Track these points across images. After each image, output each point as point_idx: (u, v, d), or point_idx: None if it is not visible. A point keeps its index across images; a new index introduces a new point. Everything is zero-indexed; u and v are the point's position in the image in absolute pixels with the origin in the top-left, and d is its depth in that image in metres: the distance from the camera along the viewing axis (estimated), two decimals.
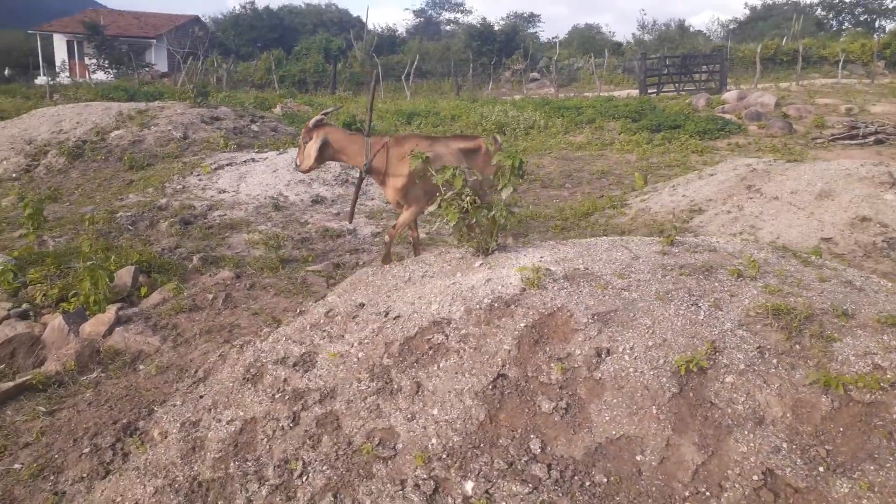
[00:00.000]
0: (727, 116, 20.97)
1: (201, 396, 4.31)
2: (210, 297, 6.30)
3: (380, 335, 3.98)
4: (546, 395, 3.41)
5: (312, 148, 5.64)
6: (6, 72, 43.42)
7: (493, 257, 4.74)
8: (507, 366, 3.57)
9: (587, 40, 46.12)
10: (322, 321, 4.43)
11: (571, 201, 11.17)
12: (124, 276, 6.94)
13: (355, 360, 3.89)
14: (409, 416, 3.46)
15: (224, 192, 9.72)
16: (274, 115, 15.82)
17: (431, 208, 5.32)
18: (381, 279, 4.73)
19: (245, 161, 10.43)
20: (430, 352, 3.77)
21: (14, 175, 12.52)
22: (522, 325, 3.77)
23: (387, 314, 4.14)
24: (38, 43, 47.43)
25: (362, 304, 4.40)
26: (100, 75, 39.17)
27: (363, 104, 27.50)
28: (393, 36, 52.43)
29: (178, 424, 4.04)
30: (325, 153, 5.70)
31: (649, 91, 28.23)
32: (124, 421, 4.45)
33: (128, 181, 11.44)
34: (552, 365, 3.53)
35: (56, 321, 6.12)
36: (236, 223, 8.39)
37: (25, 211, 8.67)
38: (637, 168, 14.78)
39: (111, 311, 6.04)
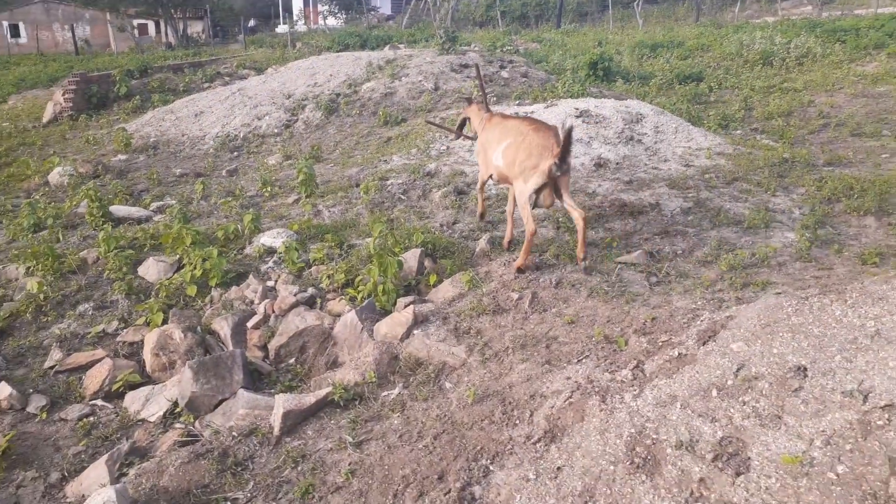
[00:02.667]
0: None
1: (559, 469, 3.18)
2: (514, 296, 5.19)
3: (866, 434, 2.52)
4: None
5: (458, 120, 6.90)
6: (251, 22, 46.30)
7: None
8: None
9: None
10: (733, 384, 3.06)
11: None
12: (409, 260, 6.08)
13: (829, 472, 2.48)
14: None
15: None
16: (522, 59, 14.42)
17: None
18: (818, 325, 3.22)
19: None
20: None
21: (276, 131, 12.45)
22: None
23: (865, 396, 2.66)
24: None
25: (802, 369, 2.94)
26: (331, 21, 40.19)
27: (584, 37, 25.24)
28: None
29: None
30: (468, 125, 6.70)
31: None
32: (456, 484, 3.47)
33: (385, 138, 10.77)
34: None
35: (349, 317, 5.37)
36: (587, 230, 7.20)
37: (299, 177, 8.20)
38: None
39: (408, 311, 5.14)
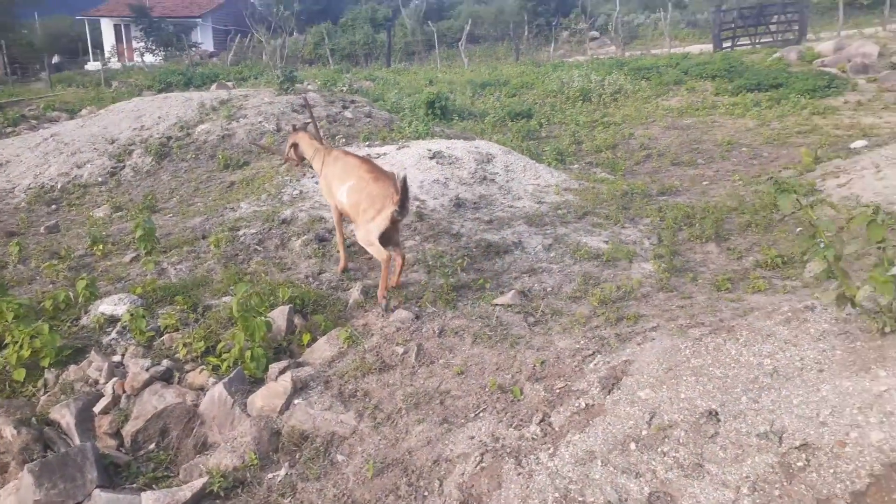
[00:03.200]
0: (830, 70, 18.86)
1: None
2: (399, 350, 4.95)
3: (790, 477, 2.56)
4: None
5: (287, 146, 7.05)
6: (55, 58, 42.48)
7: None
8: None
9: None
10: (648, 434, 3.04)
11: (722, 183, 9.57)
12: (277, 318, 5.64)
13: None
14: None
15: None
16: (364, 100, 14.31)
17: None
18: (718, 367, 3.29)
19: None
20: None
21: (100, 179, 11.32)
22: None
23: (779, 437, 2.72)
24: (87, 28, 46.38)
25: (714, 413, 2.98)
26: (147, 58, 37.94)
27: (415, 75, 25.81)
28: (441, 0, 50.08)
29: None
30: (297, 152, 6.95)
31: (724, 45, 26.00)
32: None
33: (227, 183, 10.14)
34: None
35: (216, 392, 4.85)
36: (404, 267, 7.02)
37: (136, 231, 7.44)
38: (760, 136, 13.05)
39: (285, 379, 4.73)
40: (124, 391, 5.22)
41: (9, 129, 17.35)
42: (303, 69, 31.89)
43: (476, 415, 4.17)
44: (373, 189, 5.80)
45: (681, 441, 2.91)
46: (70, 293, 6.45)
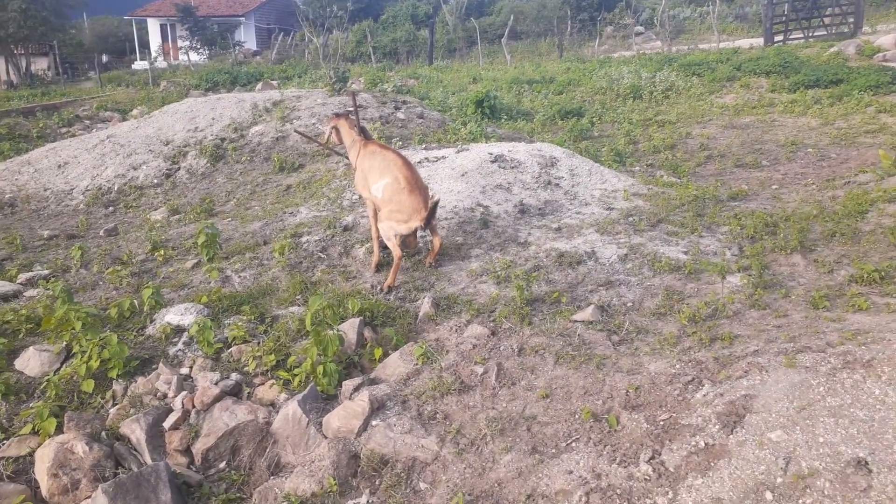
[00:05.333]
0: (893, 65, 18.02)
1: None
2: (479, 370, 4.70)
3: None
4: None
5: (326, 129, 7.24)
6: (104, 58, 43.15)
7: None
8: None
9: None
10: (784, 482, 2.73)
11: (793, 187, 9.10)
12: (347, 331, 5.43)
13: None
14: None
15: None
16: (416, 100, 14.09)
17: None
18: (860, 408, 2.96)
19: (418, 162, 8.79)
20: None
21: (156, 181, 11.30)
22: None
23: None
24: (134, 28, 47.13)
25: (863, 463, 2.66)
26: (192, 56, 38.30)
27: (457, 73, 25.48)
28: None
29: None
30: (337, 137, 7.12)
31: (776, 39, 25.14)
32: None
33: (284, 186, 10.00)
34: None
35: (291, 410, 4.66)
36: (444, 247, 6.77)
37: (199, 237, 7.31)
38: (825, 135, 12.49)
39: (363, 399, 4.51)
40: (194, 406, 5.07)
41: (64, 130, 17.57)
42: (345, 67, 31.86)
43: (568, 444, 3.90)
44: (405, 199, 6.17)
45: (826, 493, 2.60)
46: (135, 301, 6.35)
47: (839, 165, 10.37)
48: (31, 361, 5.73)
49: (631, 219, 7.24)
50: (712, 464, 3.00)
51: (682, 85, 18.81)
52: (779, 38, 25.29)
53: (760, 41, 25.82)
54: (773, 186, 9.29)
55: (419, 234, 6.62)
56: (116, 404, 5.25)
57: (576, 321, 5.27)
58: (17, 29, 30.18)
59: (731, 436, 3.11)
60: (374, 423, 4.42)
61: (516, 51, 33.24)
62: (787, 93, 16.77)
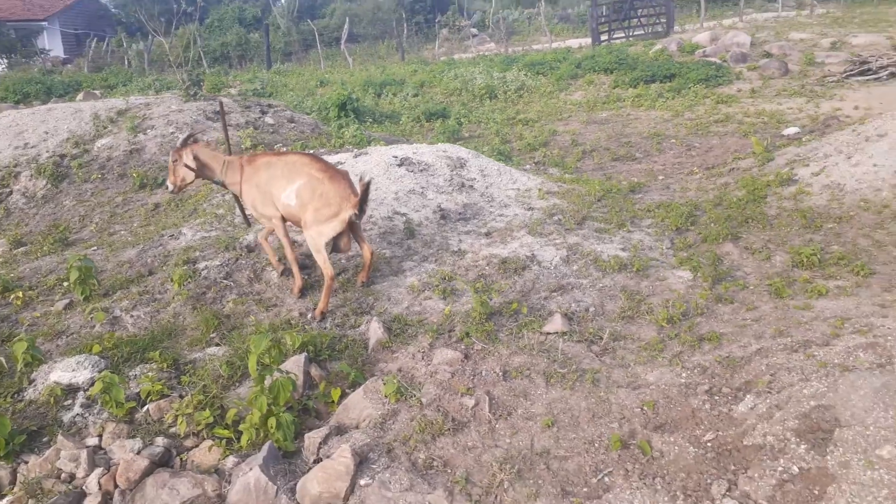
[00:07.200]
0: (713, 60, 19.55)
1: None
2: (469, 402, 4.10)
3: None
4: None
5: (186, 163, 5.91)
6: None
7: None
8: None
9: None
10: None
11: (678, 177, 9.35)
12: (291, 371, 4.58)
13: None
14: None
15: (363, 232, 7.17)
16: (282, 104, 12.97)
17: None
18: None
19: None
20: None
21: None
22: None
23: None
24: None
25: None
26: None
27: (300, 76, 24.38)
28: None
29: None
30: (198, 170, 5.94)
31: (602, 39, 26.58)
32: None
33: (151, 206, 8.67)
34: None
35: (252, 477, 3.77)
36: (373, 261, 6.06)
37: (70, 274, 6.00)
38: (681, 126, 13.15)
39: (344, 454, 3.73)
40: (116, 486, 4.02)
41: None
42: (172, 74, 29.37)
43: (600, 480, 3.43)
44: (328, 189, 5.38)
45: None
46: (1, 359, 5.03)
47: (706, 154, 10.85)
48: None
49: (556, 217, 6.94)
50: (819, 492, 2.65)
51: (533, 84, 19.17)
52: (604, 37, 26.72)
53: (587, 41, 27.15)
54: (661, 178, 9.47)
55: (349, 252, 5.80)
56: (3, 494, 4.05)
57: (547, 333, 4.82)
58: None
59: (826, 457, 2.79)
60: (362, 482, 3.67)
61: (355, 53, 32.45)
62: (630, 88, 17.56)
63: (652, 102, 15.67)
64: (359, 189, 5.21)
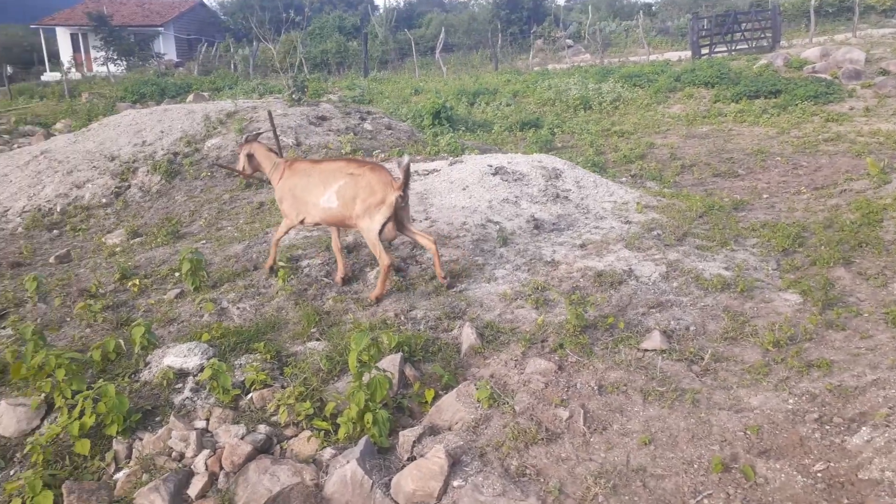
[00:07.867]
0: (823, 76, 18.64)
1: None
2: (563, 414, 4.08)
3: None
4: None
5: (246, 155, 6.69)
6: (8, 69, 39.88)
7: None
8: None
9: (612, 2, 43.07)
10: None
11: (783, 196, 8.96)
12: (388, 370, 4.69)
13: None
14: None
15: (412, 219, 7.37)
16: (380, 110, 13.34)
17: None
18: None
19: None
20: None
21: (104, 200, 10.12)
22: None
23: None
24: (41, 37, 43.90)
25: None
26: (109, 68, 35.92)
27: (396, 84, 24.83)
28: (410, 8, 49.14)
29: None
30: (252, 164, 6.73)
31: (702, 52, 25.79)
32: None
33: (256, 204, 9.08)
34: None
35: (349, 470, 3.89)
36: (464, 268, 6.13)
37: (182, 266, 6.37)
38: (787, 144, 12.58)
39: (438, 455, 3.79)
40: (222, 467, 4.23)
41: None
42: (275, 79, 30.60)
43: (699, 501, 3.34)
44: (370, 179, 5.69)
45: None
46: (121, 341, 5.38)
47: (814, 173, 10.36)
48: (5, 418, 4.71)
49: (655, 232, 6.81)
50: None
51: (629, 96, 18.86)
52: (705, 51, 25.95)
53: (687, 54, 26.46)
54: (765, 196, 9.12)
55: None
56: (120, 468, 4.34)
57: (645, 350, 4.74)
58: None
59: None
60: (455, 483, 3.72)
61: (449, 62, 32.87)
62: (732, 103, 16.99)
63: (756, 118, 15.11)
64: (403, 167, 5.50)
